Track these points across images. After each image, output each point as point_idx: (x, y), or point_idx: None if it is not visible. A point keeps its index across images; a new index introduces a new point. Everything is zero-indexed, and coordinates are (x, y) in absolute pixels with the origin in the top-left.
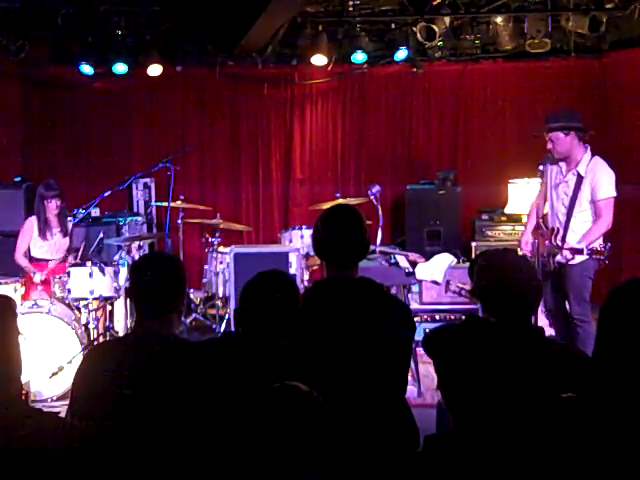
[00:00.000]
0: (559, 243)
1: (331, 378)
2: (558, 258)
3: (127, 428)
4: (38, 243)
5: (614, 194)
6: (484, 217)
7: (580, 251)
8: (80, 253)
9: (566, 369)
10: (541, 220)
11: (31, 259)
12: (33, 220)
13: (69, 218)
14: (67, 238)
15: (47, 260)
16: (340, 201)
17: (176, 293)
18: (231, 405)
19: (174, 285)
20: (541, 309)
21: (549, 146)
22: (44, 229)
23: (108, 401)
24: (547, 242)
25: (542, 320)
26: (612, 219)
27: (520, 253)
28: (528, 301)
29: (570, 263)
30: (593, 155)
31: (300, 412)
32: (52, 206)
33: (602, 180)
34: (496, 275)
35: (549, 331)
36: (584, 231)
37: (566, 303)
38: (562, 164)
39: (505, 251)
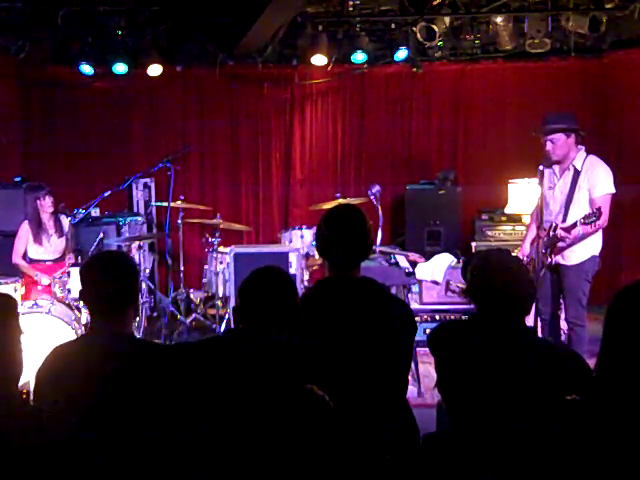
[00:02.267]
0: (556, 232)
1: (332, 377)
2: (560, 244)
3: (90, 429)
4: (34, 246)
5: (612, 190)
6: (484, 217)
7: (574, 225)
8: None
9: (561, 369)
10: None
11: (31, 261)
12: (25, 226)
13: (68, 218)
14: (63, 238)
15: (45, 261)
16: (340, 201)
17: (127, 290)
18: (207, 403)
19: (124, 283)
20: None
21: (548, 147)
22: (39, 233)
23: (69, 401)
24: (545, 238)
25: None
26: (608, 216)
27: (515, 254)
28: (521, 301)
29: (569, 264)
30: (588, 154)
31: (313, 415)
32: (46, 203)
33: (600, 176)
34: (489, 275)
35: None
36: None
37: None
38: (555, 167)
39: (499, 251)
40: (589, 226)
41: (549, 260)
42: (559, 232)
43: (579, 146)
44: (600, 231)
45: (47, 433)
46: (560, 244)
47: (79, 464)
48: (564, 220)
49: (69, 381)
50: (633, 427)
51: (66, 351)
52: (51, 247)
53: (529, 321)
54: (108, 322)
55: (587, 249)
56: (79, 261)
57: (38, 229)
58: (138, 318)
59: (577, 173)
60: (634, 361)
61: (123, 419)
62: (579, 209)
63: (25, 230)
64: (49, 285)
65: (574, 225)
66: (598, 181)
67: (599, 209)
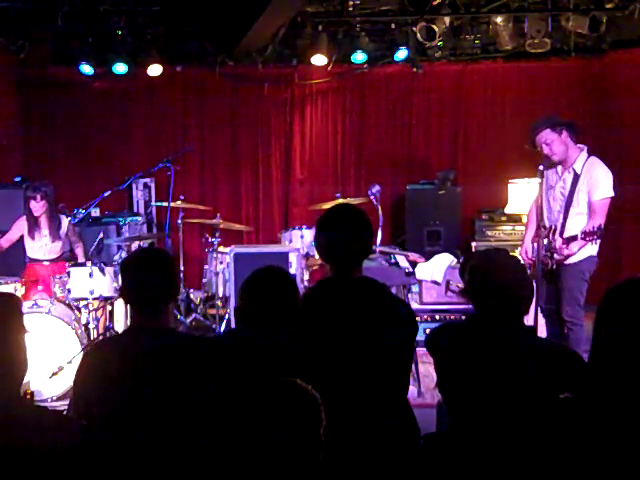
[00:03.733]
0: (557, 238)
1: (333, 377)
2: (556, 256)
3: (129, 424)
4: (29, 243)
5: (611, 194)
6: (484, 217)
7: (574, 237)
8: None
9: (560, 368)
10: (541, 224)
11: (30, 260)
12: (24, 219)
13: (68, 218)
14: (59, 242)
15: (41, 260)
16: (340, 201)
17: (169, 288)
18: (231, 401)
19: (166, 281)
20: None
21: (546, 151)
22: (33, 229)
23: (110, 398)
24: (545, 240)
25: (540, 319)
26: (605, 220)
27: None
28: (518, 300)
29: (566, 263)
30: (590, 155)
31: (297, 408)
32: (32, 206)
33: (599, 180)
34: (487, 275)
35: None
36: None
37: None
38: (558, 166)
39: (496, 251)
40: (588, 242)
41: (550, 264)
42: (559, 245)
43: (580, 145)
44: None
45: (50, 432)
46: (557, 256)
47: (83, 464)
48: (564, 222)
49: (109, 377)
50: (625, 425)
51: (107, 348)
52: (46, 247)
53: (528, 321)
54: (150, 319)
55: (584, 249)
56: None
57: (33, 225)
58: None
59: (577, 176)
60: (623, 359)
61: (166, 413)
62: (579, 211)
63: (20, 224)
64: (49, 285)
65: (574, 238)
66: (597, 185)
67: (600, 227)
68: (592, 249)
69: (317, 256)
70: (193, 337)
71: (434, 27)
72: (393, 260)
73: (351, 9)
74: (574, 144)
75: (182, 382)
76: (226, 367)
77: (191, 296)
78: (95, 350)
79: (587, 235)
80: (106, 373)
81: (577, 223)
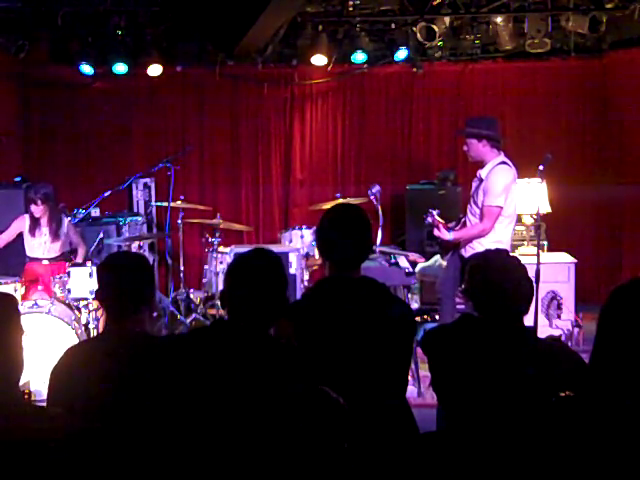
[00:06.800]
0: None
1: (331, 377)
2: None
3: (103, 427)
4: (30, 241)
5: (499, 204)
6: None
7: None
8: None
9: (559, 368)
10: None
11: (30, 259)
12: (25, 217)
13: (68, 218)
14: (58, 243)
15: (40, 259)
16: (340, 201)
17: (143, 291)
18: (216, 399)
19: (140, 284)
20: (542, 310)
21: (465, 149)
22: (33, 228)
23: (83, 401)
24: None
25: (542, 320)
26: (490, 228)
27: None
28: (518, 301)
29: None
30: (503, 162)
31: (326, 418)
32: (32, 209)
33: (492, 187)
34: (487, 275)
35: (550, 331)
36: None
37: None
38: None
39: (497, 251)
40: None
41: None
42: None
43: (499, 152)
44: (504, 236)
45: (49, 431)
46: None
47: (82, 463)
48: (465, 219)
49: (82, 381)
50: (626, 425)
51: (79, 351)
52: (45, 245)
53: (528, 321)
54: (122, 322)
55: (476, 247)
56: (79, 261)
57: (34, 224)
58: None
59: (481, 181)
60: (627, 359)
61: (135, 418)
62: (474, 212)
63: (20, 222)
64: (49, 285)
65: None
66: (488, 190)
67: (482, 230)
68: (479, 246)
69: (317, 256)
70: (164, 342)
71: (434, 27)
72: (393, 260)
73: (351, 9)
74: (491, 151)
75: (151, 386)
76: (206, 363)
77: (191, 296)
78: (70, 352)
79: (460, 230)
80: (76, 375)
81: (470, 221)
